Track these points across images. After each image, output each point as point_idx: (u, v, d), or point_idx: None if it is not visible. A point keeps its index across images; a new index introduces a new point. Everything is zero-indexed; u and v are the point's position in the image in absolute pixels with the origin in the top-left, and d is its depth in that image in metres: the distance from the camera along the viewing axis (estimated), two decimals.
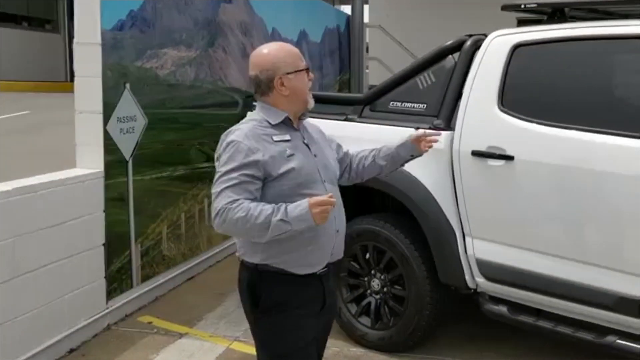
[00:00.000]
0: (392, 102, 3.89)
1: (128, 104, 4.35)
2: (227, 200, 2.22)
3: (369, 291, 3.95)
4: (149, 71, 4.61)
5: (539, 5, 3.40)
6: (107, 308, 4.23)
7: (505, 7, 3.57)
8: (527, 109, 3.30)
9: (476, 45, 3.62)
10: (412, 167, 3.41)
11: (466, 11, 11.77)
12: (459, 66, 3.62)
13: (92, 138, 4.09)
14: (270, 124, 2.39)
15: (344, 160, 2.73)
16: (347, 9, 9.35)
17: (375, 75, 10.89)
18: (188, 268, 5.19)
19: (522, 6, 3.48)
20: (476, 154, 3.39)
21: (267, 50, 2.42)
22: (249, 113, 2.57)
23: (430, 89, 3.72)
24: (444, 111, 3.59)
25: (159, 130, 4.73)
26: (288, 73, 2.36)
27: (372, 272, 3.92)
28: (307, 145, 2.47)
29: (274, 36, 6.79)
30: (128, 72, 4.37)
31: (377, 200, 4.11)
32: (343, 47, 9.12)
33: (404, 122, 3.65)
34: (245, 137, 2.31)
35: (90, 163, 4.10)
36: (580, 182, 3.09)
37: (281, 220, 2.18)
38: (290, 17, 7.26)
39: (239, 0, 5.97)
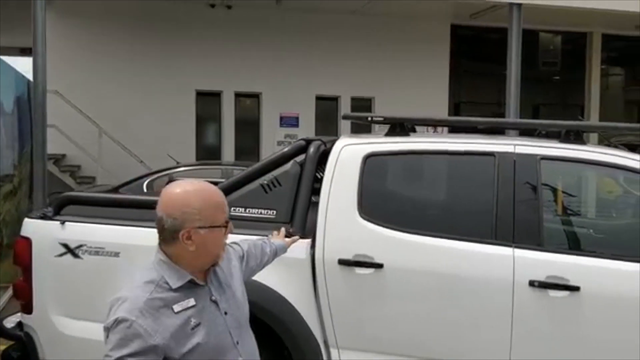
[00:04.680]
0: (232, 208, 3.58)
1: None
2: None
3: None
4: None
5: (386, 119, 3.57)
6: None
7: (347, 117, 3.65)
8: (386, 217, 3.41)
9: (319, 151, 3.62)
10: (267, 278, 3.22)
11: (144, 78, 11.53)
12: (306, 172, 3.55)
13: None
14: (170, 287, 1.97)
15: (251, 258, 2.54)
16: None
17: (53, 144, 9.80)
18: None
19: (369, 119, 3.60)
20: (343, 262, 3.36)
21: (180, 191, 1.98)
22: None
23: (278, 194, 3.56)
24: (298, 218, 3.48)
25: None
26: (200, 227, 1.96)
27: None
28: (215, 302, 2.08)
29: None
30: None
31: None
32: (25, 116, 8.05)
33: (251, 230, 3.39)
34: (140, 314, 1.88)
35: None
36: (449, 287, 3.29)
37: None
38: None
39: None
